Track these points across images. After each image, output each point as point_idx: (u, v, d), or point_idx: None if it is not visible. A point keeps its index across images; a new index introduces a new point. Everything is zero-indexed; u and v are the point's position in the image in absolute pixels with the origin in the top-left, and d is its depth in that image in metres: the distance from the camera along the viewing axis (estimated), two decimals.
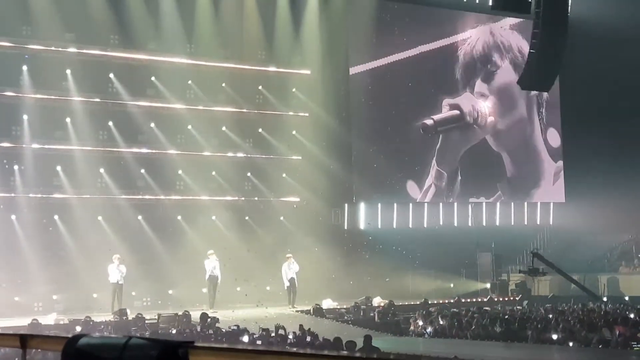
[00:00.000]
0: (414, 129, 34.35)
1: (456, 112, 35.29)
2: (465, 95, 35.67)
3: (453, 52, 35.92)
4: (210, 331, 20.68)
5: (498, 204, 36.43)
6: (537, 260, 29.73)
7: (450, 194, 35.27)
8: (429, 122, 34.59)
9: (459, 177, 35.26)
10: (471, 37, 36.34)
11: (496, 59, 36.65)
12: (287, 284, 27.12)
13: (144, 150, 29.39)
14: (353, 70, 33.19)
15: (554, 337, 20.13)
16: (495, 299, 30.64)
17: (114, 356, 2.37)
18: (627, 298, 29.43)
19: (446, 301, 29.18)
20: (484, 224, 35.60)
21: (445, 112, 35.13)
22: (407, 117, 34.27)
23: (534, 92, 36.54)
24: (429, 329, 22.56)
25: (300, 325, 20.05)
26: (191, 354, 2.37)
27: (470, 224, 35.25)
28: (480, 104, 35.87)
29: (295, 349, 2.48)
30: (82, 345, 2.47)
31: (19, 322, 21.27)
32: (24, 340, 2.78)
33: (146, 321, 22.56)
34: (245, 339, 18.56)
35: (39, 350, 14.13)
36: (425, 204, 34.66)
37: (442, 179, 34.86)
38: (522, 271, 30.60)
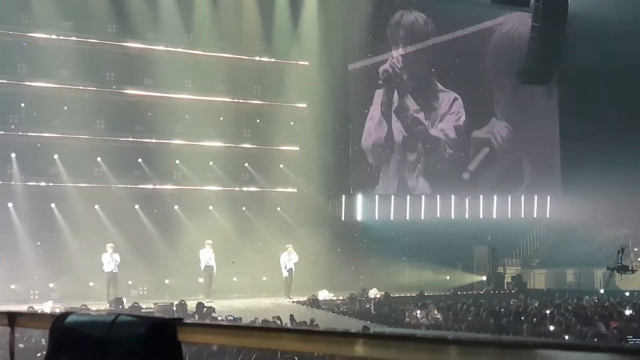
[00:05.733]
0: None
1: (486, 149, 35.96)
2: (490, 125, 36.16)
3: (467, 44, 35.99)
4: (207, 321, 20.69)
5: (495, 196, 36.35)
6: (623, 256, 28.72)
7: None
8: (465, 176, 35.32)
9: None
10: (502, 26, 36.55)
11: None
12: (285, 274, 27.03)
13: (141, 140, 29.31)
14: (352, 63, 33.14)
15: (550, 330, 20.17)
16: (491, 292, 30.62)
17: (102, 333, 2.36)
18: (627, 294, 29.36)
19: (442, 293, 29.20)
20: (481, 216, 35.54)
21: (478, 155, 35.72)
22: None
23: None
24: (425, 321, 22.59)
25: (291, 316, 20.03)
26: (180, 331, 2.36)
27: (467, 217, 35.18)
28: (502, 128, 36.21)
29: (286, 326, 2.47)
30: (70, 322, 2.46)
31: (15, 310, 21.25)
32: (12, 318, 2.77)
33: (142, 310, 22.57)
34: None
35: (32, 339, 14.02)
36: (423, 197, 34.60)
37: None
38: (609, 268, 29.21)
